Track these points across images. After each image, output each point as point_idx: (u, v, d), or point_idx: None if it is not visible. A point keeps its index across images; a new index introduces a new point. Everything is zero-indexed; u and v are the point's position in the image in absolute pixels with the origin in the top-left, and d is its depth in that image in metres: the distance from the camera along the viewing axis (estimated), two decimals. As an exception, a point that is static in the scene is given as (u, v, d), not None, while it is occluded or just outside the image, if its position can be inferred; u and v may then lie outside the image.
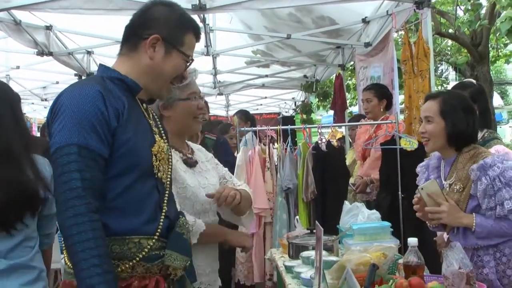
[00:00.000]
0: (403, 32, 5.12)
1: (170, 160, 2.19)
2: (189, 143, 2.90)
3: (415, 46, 4.47)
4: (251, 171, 4.85)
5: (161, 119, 2.41)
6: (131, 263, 1.92)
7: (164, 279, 2.01)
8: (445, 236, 3.32)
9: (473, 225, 2.71)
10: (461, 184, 2.80)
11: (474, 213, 2.75)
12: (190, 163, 2.72)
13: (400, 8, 5.27)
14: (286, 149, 4.93)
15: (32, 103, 12.99)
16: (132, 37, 2.11)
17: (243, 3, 4.65)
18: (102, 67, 2.12)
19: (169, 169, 2.17)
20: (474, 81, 3.56)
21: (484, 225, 2.70)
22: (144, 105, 2.17)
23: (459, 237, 2.84)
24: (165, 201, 2.09)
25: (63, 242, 1.89)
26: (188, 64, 2.19)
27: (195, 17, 5.75)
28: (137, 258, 1.93)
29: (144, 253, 1.94)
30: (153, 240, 1.98)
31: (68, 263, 1.92)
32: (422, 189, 2.80)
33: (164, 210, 2.06)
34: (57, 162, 1.85)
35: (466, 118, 2.85)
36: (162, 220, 2.04)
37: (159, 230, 2.01)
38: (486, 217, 2.71)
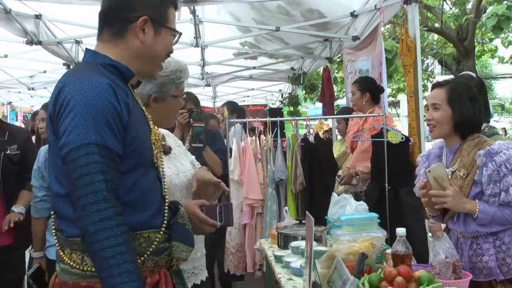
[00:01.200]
0: (388, 26, 5.15)
1: (161, 147, 2.14)
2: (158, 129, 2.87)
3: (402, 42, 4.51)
4: (245, 163, 4.90)
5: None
6: (142, 258, 1.86)
7: (168, 270, 1.98)
8: (442, 226, 3.36)
9: (476, 211, 2.73)
10: (465, 171, 2.82)
11: (477, 200, 2.77)
12: (165, 150, 2.65)
13: (388, 2, 5.29)
14: (275, 141, 4.97)
15: (19, 92, 12.93)
16: (115, 22, 1.95)
17: (236, -4, 4.66)
18: (90, 52, 1.97)
19: (162, 156, 2.12)
20: (473, 74, 3.58)
21: (487, 211, 2.72)
22: (134, 90, 2.07)
23: (459, 224, 2.87)
24: (165, 190, 2.05)
25: None
26: (176, 38, 2.08)
27: (186, 9, 5.80)
28: (148, 253, 1.88)
29: (153, 247, 1.88)
30: (160, 233, 1.93)
31: (69, 261, 1.83)
32: (429, 171, 2.79)
33: (166, 201, 2.02)
34: (75, 163, 1.70)
35: (472, 107, 2.88)
36: (166, 211, 1.99)
37: (165, 223, 1.96)
38: (488, 204, 2.74)
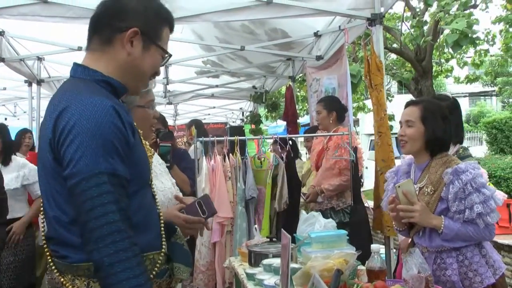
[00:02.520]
0: (347, 46, 5.23)
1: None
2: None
3: (370, 62, 4.60)
4: (215, 181, 4.90)
5: None
6: None
7: None
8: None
9: (442, 226, 2.83)
10: (433, 187, 2.92)
11: (442, 216, 2.86)
12: None
13: (353, 24, 5.39)
14: (243, 159, 4.99)
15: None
16: (105, 29, 1.86)
17: (202, 15, 4.67)
18: (80, 67, 1.87)
19: (151, 174, 2.06)
20: (450, 94, 3.69)
21: (452, 227, 2.81)
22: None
23: (424, 238, 2.96)
24: (158, 207, 2.00)
25: None
26: (165, 60, 1.98)
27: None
28: (153, 275, 1.84)
29: (157, 268, 1.86)
30: (162, 254, 1.89)
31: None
32: (398, 187, 2.88)
33: (161, 219, 1.97)
34: (86, 195, 1.62)
35: (444, 126, 2.99)
36: (162, 231, 1.95)
37: (163, 243, 1.92)
38: (453, 220, 2.83)
